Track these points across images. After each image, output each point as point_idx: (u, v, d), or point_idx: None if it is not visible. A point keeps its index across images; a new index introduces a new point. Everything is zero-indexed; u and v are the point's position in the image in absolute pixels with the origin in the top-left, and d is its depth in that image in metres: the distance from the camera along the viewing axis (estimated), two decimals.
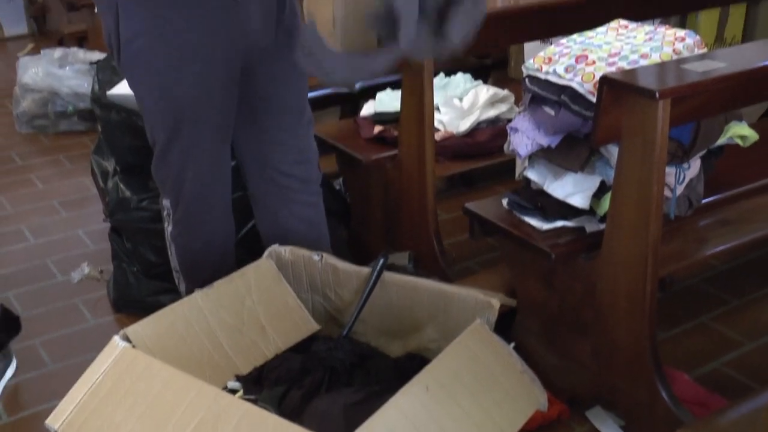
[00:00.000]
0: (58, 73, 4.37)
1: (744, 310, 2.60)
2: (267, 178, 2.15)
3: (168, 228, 2.13)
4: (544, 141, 1.96)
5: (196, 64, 1.89)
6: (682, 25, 2.98)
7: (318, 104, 2.76)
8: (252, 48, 1.96)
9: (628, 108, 1.75)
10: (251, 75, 2.02)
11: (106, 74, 2.69)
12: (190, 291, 1.93)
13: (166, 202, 2.10)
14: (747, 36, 3.18)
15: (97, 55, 4.55)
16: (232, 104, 2.01)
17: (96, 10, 1.94)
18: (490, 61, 3.65)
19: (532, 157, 2.05)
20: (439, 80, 2.86)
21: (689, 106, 1.80)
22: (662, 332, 2.44)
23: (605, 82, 1.75)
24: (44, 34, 6.08)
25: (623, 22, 2.21)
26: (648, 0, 2.69)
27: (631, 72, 1.84)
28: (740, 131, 2.11)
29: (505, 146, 2.12)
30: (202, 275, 2.03)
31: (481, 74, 3.46)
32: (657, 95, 1.68)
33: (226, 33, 1.90)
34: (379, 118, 2.71)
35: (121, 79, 2.65)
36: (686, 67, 1.82)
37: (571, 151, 1.95)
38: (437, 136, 2.58)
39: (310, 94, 2.18)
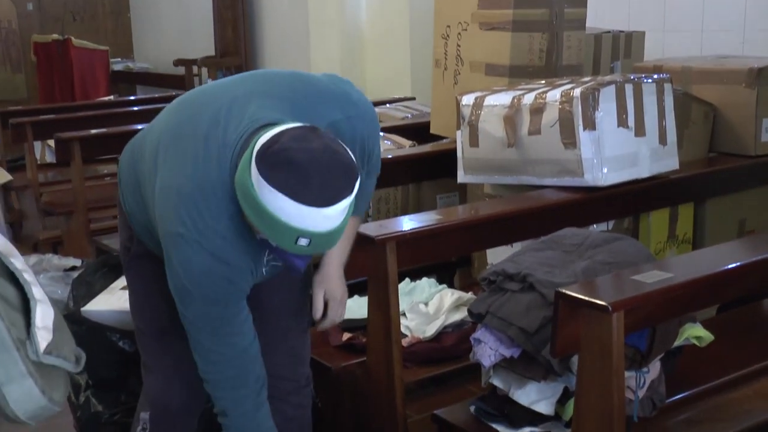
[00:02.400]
0: None
1: None
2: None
3: None
4: (506, 352, 2.02)
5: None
6: (635, 225, 3.10)
7: None
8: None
9: (584, 321, 1.82)
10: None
11: (81, 290, 2.74)
12: None
13: (144, 415, 2.15)
14: (698, 232, 3.32)
15: (72, 261, 4.61)
16: None
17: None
18: (455, 259, 3.76)
19: (496, 366, 2.09)
20: (405, 285, 2.93)
21: (642, 315, 1.87)
22: None
23: (560, 296, 1.82)
24: (20, 240, 6.15)
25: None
26: (601, 203, 2.82)
27: (585, 286, 1.91)
28: (695, 332, 2.18)
29: (470, 355, 2.17)
30: None
31: (446, 272, 3.56)
32: (610, 309, 1.75)
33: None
34: (347, 325, 2.76)
35: (95, 295, 2.70)
36: (637, 279, 1.91)
37: (532, 361, 2.00)
38: (404, 342, 2.63)
39: None
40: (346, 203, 1.69)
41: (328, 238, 1.71)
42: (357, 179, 1.71)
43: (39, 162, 6.08)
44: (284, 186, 1.63)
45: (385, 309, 2.42)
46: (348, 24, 6.29)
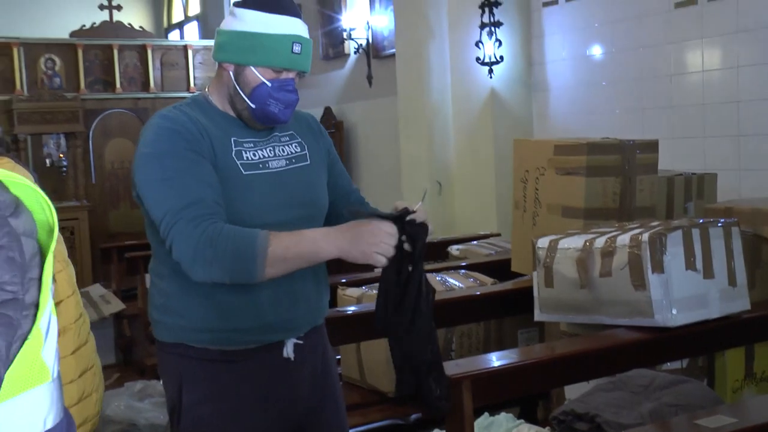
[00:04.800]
0: (138, 405, 4.57)
1: None
2: None
3: None
4: None
5: (251, 424, 2.04)
6: (710, 364, 3.06)
7: None
8: (301, 408, 2.11)
9: None
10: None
11: None
12: None
13: None
14: None
15: None
16: None
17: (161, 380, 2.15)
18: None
19: None
20: (483, 420, 2.95)
21: None
22: None
23: None
24: (129, 364, 6.38)
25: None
26: (672, 343, 2.81)
27: (650, 430, 1.92)
28: None
29: None
30: None
31: (529, 403, 3.55)
32: None
33: (279, 395, 2.06)
34: None
35: None
36: (700, 423, 1.91)
37: None
38: None
39: None
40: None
41: (310, 46, 2.04)
42: None
43: None
44: (265, 5, 1.96)
45: None
46: (437, 164, 6.48)
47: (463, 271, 3.90)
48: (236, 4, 2.01)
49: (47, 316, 1.13)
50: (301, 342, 2.09)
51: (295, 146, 2.13)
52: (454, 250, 4.67)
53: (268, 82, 1.98)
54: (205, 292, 1.98)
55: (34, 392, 1.11)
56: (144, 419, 4.46)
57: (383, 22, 7.60)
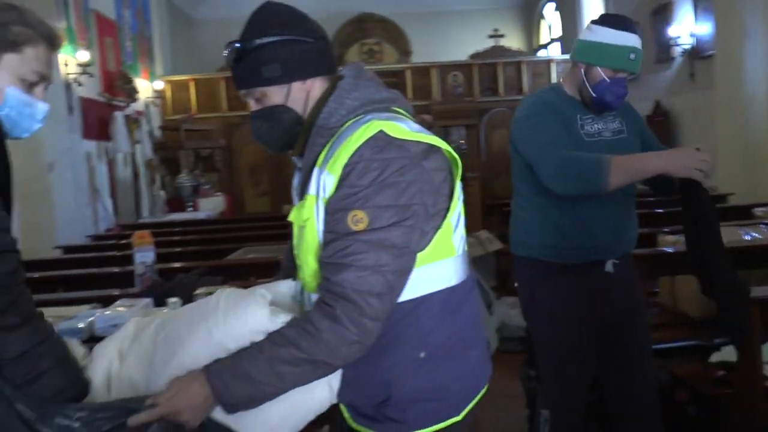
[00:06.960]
0: (510, 312, 4.88)
1: None
2: (626, 392, 2.25)
3: None
4: None
5: (584, 318, 2.17)
6: None
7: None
8: (618, 309, 2.19)
9: None
10: (614, 327, 2.21)
11: None
12: None
13: (545, 412, 2.24)
14: None
15: None
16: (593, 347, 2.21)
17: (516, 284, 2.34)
18: None
19: None
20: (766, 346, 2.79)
21: None
22: None
23: None
24: (503, 287, 6.70)
25: None
26: None
27: None
28: None
29: None
30: None
31: None
32: None
33: (602, 298, 2.17)
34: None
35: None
36: None
37: None
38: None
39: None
40: None
41: (641, 55, 2.08)
42: None
43: None
44: (614, 24, 2.07)
45: (752, 356, 2.39)
46: (750, 143, 5.92)
47: (764, 227, 3.61)
48: (593, 22, 2.11)
49: (456, 215, 1.40)
50: (617, 261, 2.18)
51: (617, 123, 2.20)
52: (758, 211, 4.31)
53: (607, 79, 2.07)
54: (553, 220, 2.14)
55: (443, 262, 1.39)
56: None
57: (704, 29, 7.05)
